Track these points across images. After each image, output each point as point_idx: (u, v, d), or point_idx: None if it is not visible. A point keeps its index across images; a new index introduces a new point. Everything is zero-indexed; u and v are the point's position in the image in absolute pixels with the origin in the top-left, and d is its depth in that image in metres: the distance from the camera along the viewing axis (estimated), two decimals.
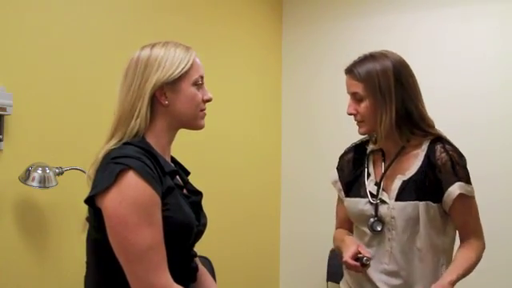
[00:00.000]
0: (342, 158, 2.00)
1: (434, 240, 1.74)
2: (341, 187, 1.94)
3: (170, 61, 1.41)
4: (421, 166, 1.75)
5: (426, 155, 1.75)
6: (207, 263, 2.71)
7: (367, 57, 1.80)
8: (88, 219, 1.39)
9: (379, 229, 1.76)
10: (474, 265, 1.75)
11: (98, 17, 2.47)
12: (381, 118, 1.74)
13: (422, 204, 1.72)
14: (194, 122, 1.48)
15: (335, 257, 3.38)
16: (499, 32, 2.98)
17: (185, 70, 1.42)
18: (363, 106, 1.76)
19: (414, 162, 1.77)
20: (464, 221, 1.77)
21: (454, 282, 1.67)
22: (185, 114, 1.45)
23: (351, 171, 1.91)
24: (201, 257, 1.61)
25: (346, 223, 1.97)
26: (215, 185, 2.97)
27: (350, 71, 1.81)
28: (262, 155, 3.50)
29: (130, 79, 1.42)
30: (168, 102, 1.42)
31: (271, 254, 3.61)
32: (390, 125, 1.74)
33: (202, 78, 1.47)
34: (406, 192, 1.74)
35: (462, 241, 1.80)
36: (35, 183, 2.07)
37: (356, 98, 1.78)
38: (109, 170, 1.30)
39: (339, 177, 1.96)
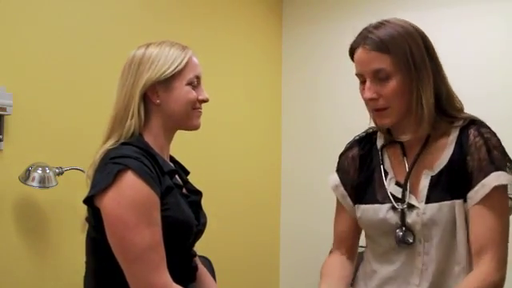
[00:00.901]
0: (342, 156, 1.59)
1: (466, 250, 1.34)
2: (345, 193, 1.53)
3: (164, 59, 1.41)
4: (452, 155, 1.35)
5: (457, 143, 1.36)
6: (207, 263, 2.71)
7: (382, 23, 1.38)
8: (87, 219, 1.39)
9: (411, 241, 1.35)
10: None
11: (98, 18, 2.47)
12: (417, 101, 1.33)
13: (458, 203, 1.33)
14: (187, 121, 1.46)
15: None
16: (499, 31, 2.98)
17: (178, 68, 1.41)
18: (390, 86, 1.32)
19: (443, 153, 1.36)
20: (486, 228, 1.29)
21: None
22: (177, 113, 1.43)
23: (359, 171, 1.50)
24: (201, 257, 1.61)
25: (348, 240, 1.58)
26: (215, 184, 2.97)
27: (365, 40, 1.36)
28: (262, 155, 3.50)
29: (124, 79, 1.42)
30: (160, 100, 1.42)
31: (271, 254, 3.61)
32: (430, 109, 1.33)
33: (197, 77, 1.45)
34: (438, 190, 1.35)
35: (473, 262, 1.32)
36: (35, 183, 2.07)
37: (378, 76, 1.34)
38: (107, 171, 1.30)
39: (342, 180, 1.54)
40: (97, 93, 2.39)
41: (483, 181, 1.30)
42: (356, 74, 1.43)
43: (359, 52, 1.38)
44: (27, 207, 2.18)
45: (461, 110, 1.41)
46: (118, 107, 1.41)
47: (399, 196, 1.38)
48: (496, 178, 1.29)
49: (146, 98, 1.42)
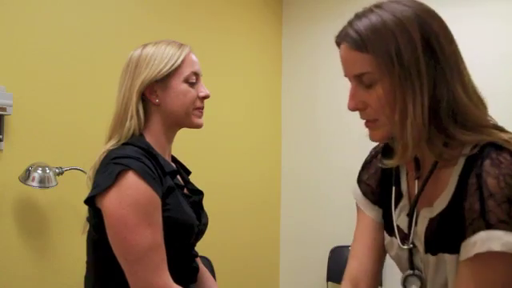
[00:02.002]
0: (366, 164, 1.28)
1: None
2: (373, 206, 1.23)
3: (160, 58, 1.40)
4: (453, 195, 1.01)
5: (460, 178, 1.01)
6: (207, 263, 2.71)
7: (371, 9, 1.06)
8: (88, 219, 1.39)
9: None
10: None
11: (98, 18, 2.47)
12: (405, 112, 0.98)
13: (450, 259, 1.01)
14: (187, 120, 1.45)
15: (335, 256, 3.39)
16: (500, 32, 2.98)
17: (174, 66, 1.40)
18: (376, 93, 1.01)
19: (445, 189, 1.03)
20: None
21: None
22: (177, 111, 1.43)
23: (379, 185, 1.21)
24: (201, 257, 1.60)
25: (369, 262, 1.19)
26: (215, 184, 2.97)
27: (345, 37, 1.05)
28: (262, 155, 3.50)
29: (122, 80, 1.43)
30: (159, 100, 1.41)
31: (271, 254, 3.61)
32: (422, 122, 0.97)
33: (195, 74, 1.44)
34: (436, 237, 1.04)
35: None
36: (35, 183, 2.07)
37: (362, 81, 1.04)
38: (109, 171, 1.30)
39: (364, 194, 1.26)
40: (97, 93, 2.39)
41: (468, 239, 0.95)
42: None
43: (341, 50, 1.07)
44: (27, 207, 2.18)
45: (480, 126, 1.01)
46: (118, 109, 1.41)
47: (407, 231, 1.10)
48: (482, 242, 0.93)
49: (145, 98, 1.41)
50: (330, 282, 3.37)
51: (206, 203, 1.57)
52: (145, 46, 1.44)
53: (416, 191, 1.09)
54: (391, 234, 1.15)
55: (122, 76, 1.44)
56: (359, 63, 1.02)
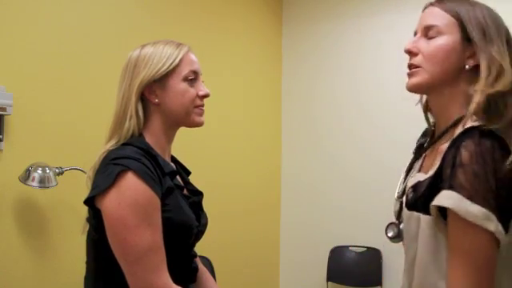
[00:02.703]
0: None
1: (431, 278, 1.16)
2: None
3: (158, 58, 1.40)
4: (439, 165, 1.17)
5: (447, 149, 1.16)
6: (207, 263, 2.71)
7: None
8: (88, 220, 1.39)
9: (390, 235, 1.32)
10: None
11: (98, 18, 2.47)
12: (452, 67, 1.20)
13: (423, 219, 1.18)
14: (188, 118, 1.44)
15: (335, 256, 3.39)
16: None
17: (173, 65, 1.40)
18: (434, 43, 1.22)
19: (438, 157, 1.20)
20: (449, 253, 1.11)
21: None
22: (176, 111, 1.42)
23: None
24: (201, 257, 1.61)
25: None
26: (215, 185, 2.97)
27: (440, 1, 1.26)
28: (262, 155, 3.50)
29: (121, 81, 1.43)
30: (158, 99, 1.41)
31: (271, 254, 3.61)
32: (452, 80, 1.20)
33: (194, 72, 1.44)
34: (417, 197, 1.22)
35: None
36: (35, 183, 2.07)
37: (427, 33, 1.24)
38: (108, 171, 1.30)
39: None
40: (97, 93, 2.39)
41: (437, 196, 1.12)
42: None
43: (427, 10, 1.28)
44: (27, 207, 2.18)
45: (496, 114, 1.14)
46: (117, 109, 1.41)
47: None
48: (438, 198, 1.10)
49: (144, 98, 1.41)
50: (330, 282, 3.37)
51: (206, 203, 1.57)
52: (143, 46, 1.44)
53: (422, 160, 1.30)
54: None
55: (121, 76, 1.44)
56: (438, 19, 1.22)
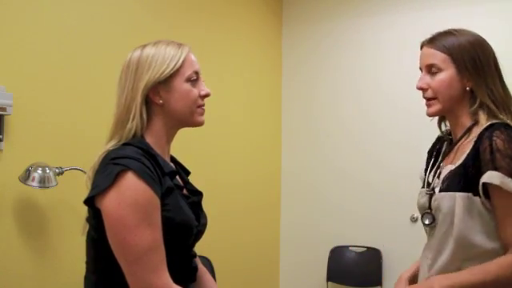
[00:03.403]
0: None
1: (470, 240, 1.48)
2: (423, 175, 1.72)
3: (161, 59, 1.40)
4: (468, 154, 1.51)
5: (475, 144, 1.50)
6: (207, 263, 2.71)
7: (451, 32, 1.59)
8: (88, 220, 1.39)
9: (427, 222, 1.57)
10: (495, 284, 1.43)
11: (97, 18, 2.47)
12: (456, 93, 1.54)
13: (459, 195, 1.48)
14: (191, 118, 1.45)
15: (335, 256, 3.39)
16: (499, 31, 2.98)
17: (176, 67, 1.40)
18: (438, 78, 1.55)
19: (465, 150, 1.53)
20: (501, 224, 1.46)
21: None
22: (181, 111, 1.43)
23: (429, 156, 1.74)
24: (201, 257, 1.61)
25: None
26: (215, 184, 2.97)
27: (430, 41, 1.60)
28: (262, 155, 3.50)
29: (123, 81, 1.42)
30: (162, 101, 1.41)
31: (271, 254, 3.61)
32: (459, 101, 1.55)
33: (196, 73, 1.44)
34: (451, 182, 1.53)
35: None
36: (35, 183, 2.07)
37: (431, 70, 1.57)
38: (108, 171, 1.30)
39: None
40: (97, 93, 2.39)
41: (481, 178, 1.45)
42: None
43: (424, 50, 1.61)
44: (27, 207, 2.18)
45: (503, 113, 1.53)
46: (120, 111, 1.41)
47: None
48: (487, 177, 1.44)
49: (148, 99, 1.41)
50: (330, 282, 3.37)
51: (206, 203, 1.57)
52: (144, 46, 1.44)
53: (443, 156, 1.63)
54: (423, 186, 1.66)
55: (121, 77, 1.43)
56: (432, 57, 1.56)
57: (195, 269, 1.51)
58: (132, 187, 1.27)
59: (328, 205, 3.52)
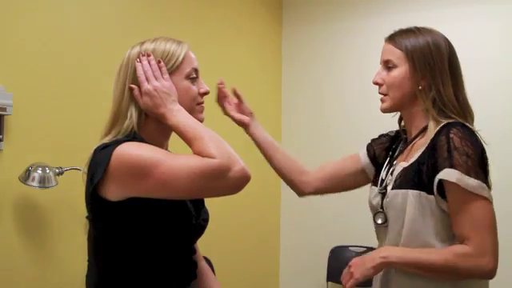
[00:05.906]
0: (378, 138, 1.83)
1: (420, 238, 1.48)
2: (367, 159, 1.76)
3: (160, 56, 1.39)
4: (423, 152, 1.50)
5: (431, 142, 1.50)
6: (207, 263, 2.71)
7: (412, 30, 1.59)
8: (88, 217, 1.38)
9: (379, 222, 1.57)
10: (441, 268, 1.45)
11: (98, 18, 2.47)
12: (408, 91, 1.55)
13: (412, 193, 1.48)
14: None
15: (335, 256, 3.39)
16: (499, 33, 2.98)
17: (176, 64, 1.39)
18: (392, 74, 1.56)
19: (420, 148, 1.53)
20: (456, 220, 1.45)
21: (388, 262, 1.49)
22: None
23: (385, 151, 1.73)
24: None
25: (333, 167, 1.99)
26: None
27: (391, 37, 1.61)
28: (262, 154, 3.49)
29: (122, 78, 1.40)
30: None
31: (271, 254, 3.61)
32: (412, 99, 1.55)
33: (195, 70, 1.43)
34: (403, 180, 1.52)
35: None
36: (35, 183, 2.07)
37: (387, 66, 1.58)
38: (102, 156, 1.28)
39: (368, 151, 1.79)
40: (97, 93, 2.39)
41: (437, 175, 1.45)
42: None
43: (385, 45, 1.62)
44: (27, 207, 2.18)
45: (461, 115, 1.53)
46: (117, 107, 1.39)
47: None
48: (443, 174, 1.44)
49: None
50: (330, 282, 3.37)
51: (206, 203, 1.57)
52: (142, 43, 1.43)
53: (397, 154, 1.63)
54: (375, 184, 1.64)
55: (120, 75, 1.41)
56: (392, 54, 1.57)
57: (194, 264, 1.50)
58: (131, 144, 1.28)
59: (328, 205, 3.51)
